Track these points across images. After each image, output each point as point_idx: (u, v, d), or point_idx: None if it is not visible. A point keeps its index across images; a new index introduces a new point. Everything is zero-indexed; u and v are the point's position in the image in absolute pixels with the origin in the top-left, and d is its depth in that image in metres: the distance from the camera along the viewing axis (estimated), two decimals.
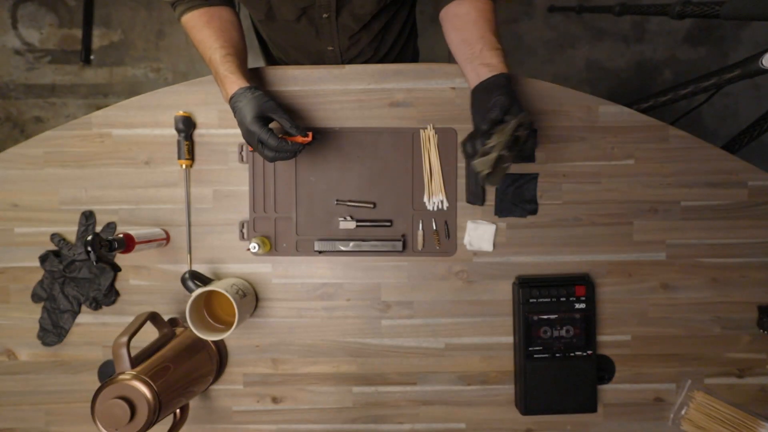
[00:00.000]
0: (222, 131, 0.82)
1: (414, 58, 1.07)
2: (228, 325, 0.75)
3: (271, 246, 0.82)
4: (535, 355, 0.79)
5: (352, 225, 0.81)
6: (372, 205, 0.81)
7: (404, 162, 0.81)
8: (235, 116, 0.68)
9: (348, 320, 0.83)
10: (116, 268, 0.73)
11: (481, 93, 0.66)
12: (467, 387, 0.83)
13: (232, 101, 0.68)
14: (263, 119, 0.66)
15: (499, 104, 0.61)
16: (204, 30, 0.73)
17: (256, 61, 1.33)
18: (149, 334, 0.74)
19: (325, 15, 0.74)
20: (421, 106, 0.81)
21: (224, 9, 0.76)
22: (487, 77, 0.66)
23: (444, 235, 0.81)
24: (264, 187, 0.81)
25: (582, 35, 1.68)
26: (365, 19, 0.79)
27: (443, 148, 0.81)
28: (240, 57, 0.73)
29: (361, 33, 0.82)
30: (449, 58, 0.97)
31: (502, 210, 0.81)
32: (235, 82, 0.68)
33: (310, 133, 0.68)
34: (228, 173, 0.82)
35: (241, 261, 0.82)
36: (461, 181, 0.81)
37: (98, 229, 0.82)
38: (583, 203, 0.82)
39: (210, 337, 0.72)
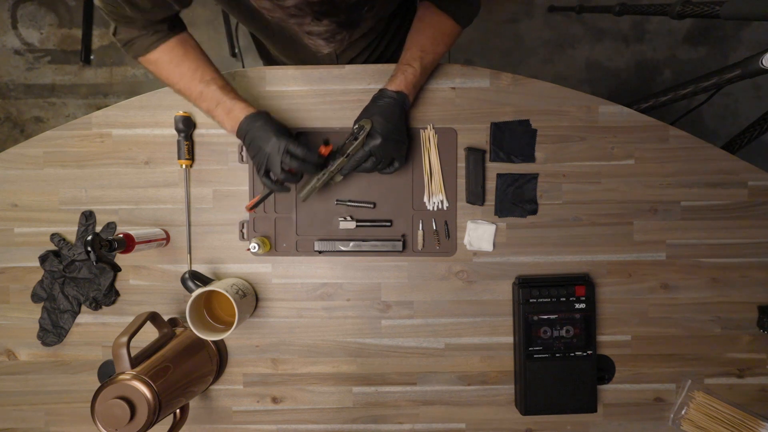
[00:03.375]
0: (222, 131, 0.81)
1: None
2: (228, 325, 0.75)
3: (271, 246, 0.82)
4: (535, 355, 0.79)
5: (352, 225, 0.81)
6: (372, 205, 0.81)
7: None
8: (247, 136, 0.67)
9: (348, 320, 0.83)
10: (116, 268, 0.73)
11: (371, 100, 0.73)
12: (467, 387, 0.83)
13: (245, 123, 0.67)
14: (287, 134, 0.66)
15: (357, 126, 0.69)
16: (184, 63, 0.70)
17: (255, 61, 1.34)
18: (149, 334, 0.74)
19: None
20: (420, 106, 0.81)
21: (188, 36, 0.73)
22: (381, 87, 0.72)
23: (444, 235, 0.81)
24: (264, 187, 0.81)
25: (582, 35, 1.68)
26: (363, 30, 0.78)
27: (443, 148, 0.81)
28: (232, 85, 0.73)
29: (359, 39, 0.82)
30: (448, 58, 0.96)
31: (502, 210, 0.81)
32: (245, 108, 0.68)
33: (331, 145, 0.69)
34: (228, 173, 0.82)
35: (241, 261, 0.82)
36: (461, 181, 0.81)
37: (98, 229, 0.83)
38: (583, 203, 0.82)
39: (210, 337, 0.72)
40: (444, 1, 0.74)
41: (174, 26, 0.71)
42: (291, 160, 0.65)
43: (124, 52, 0.71)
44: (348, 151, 0.68)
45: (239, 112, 0.68)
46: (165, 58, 0.70)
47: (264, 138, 0.66)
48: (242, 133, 0.68)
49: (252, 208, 0.73)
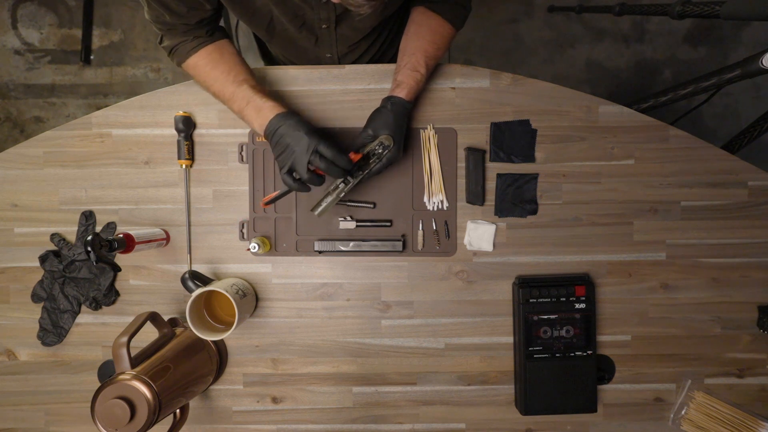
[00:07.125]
0: (222, 131, 0.82)
1: None
2: (228, 325, 0.75)
3: (271, 246, 0.82)
4: (535, 355, 0.79)
5: (352, 225, 0.81)
6: (372, 205, 0.81)
7: (404, 162, 0.81)
8: (276, 133, 0.66)
9: (348, 320, 0.83)
10: (116, 268, 0.74)
11: (378, 108, 0.72)
12: (467, 387, 0.83)
13: (275, 120, 0.67)
14: (319, 134, 0.66)
15: (365, 134, 0.70)
16: (219, 66, 0.72)
17: (255, 61, 1.34)
18: (149, 334, 0.74)
19: (324, 26, 0.74)
20: (420, 106, 0.81)
21: (228, 43, 0.76)
22: (387, 95, 0.72)
23: (444, 235, 0.81)
24: (264, 187, 0.81)
25: (582, 35, 1.68)
26: (365, 31, 0.78)
27: (443, 148, 0.81)
28: (264, 86, 0.74)
29: (360, 42, 0.82)
30: (448, 58, 0.96)
31: (502, 210, 0.81)
32: (275, 107, 0.68)
33: (361, 153, 0.70)
34: (228, 173, 0.82)
35: (241, 261, 0.82)
36: (461, 181, 0.81)
37: (98, 229, 0.83)
38: (583, 203, 0.82)
39: (210, 337, 0.72)
40: (439, 4, 0.74)
41: (213, 33, 0.74)
42: (320, 160, 0.65)
43: (170, 60, 0.75)
44: (372, 169, 0.71)
45: (269, 110, 0.68)
46: (202, 62, 0.73)
47: (294, 136, 0.65)
48: (271, 130, 0.67)
49: (268, 203, 0.73)
